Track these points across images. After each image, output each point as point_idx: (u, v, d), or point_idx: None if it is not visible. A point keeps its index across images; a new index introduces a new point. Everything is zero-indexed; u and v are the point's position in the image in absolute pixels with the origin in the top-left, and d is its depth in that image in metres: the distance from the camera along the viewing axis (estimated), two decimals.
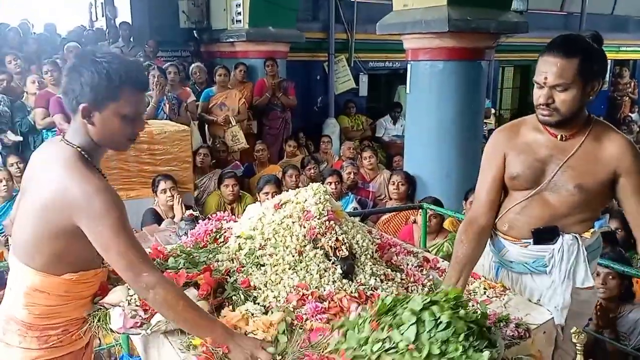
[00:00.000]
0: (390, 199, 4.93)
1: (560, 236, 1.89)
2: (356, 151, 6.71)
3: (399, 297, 1.43)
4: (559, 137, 1.86)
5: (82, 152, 1.56)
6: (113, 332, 1.76)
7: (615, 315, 3.04)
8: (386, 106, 9.23)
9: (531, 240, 1.93)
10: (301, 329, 1.61)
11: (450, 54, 4.81)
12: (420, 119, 5.08)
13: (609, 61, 11.29)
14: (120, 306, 1.71)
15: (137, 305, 1.71)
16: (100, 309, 1.77)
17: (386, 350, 1.29)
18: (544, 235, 1.89)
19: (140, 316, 1.70)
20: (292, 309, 1.70)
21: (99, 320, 1.75)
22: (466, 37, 4.74)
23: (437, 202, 3.87)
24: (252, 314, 1.66)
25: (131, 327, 1.69)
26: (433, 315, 1.30)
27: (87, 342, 1.79)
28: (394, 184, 4.76)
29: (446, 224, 4.09)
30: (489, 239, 2.06)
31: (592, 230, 1.92)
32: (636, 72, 12.33)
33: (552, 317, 1.94)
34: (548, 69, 1.74)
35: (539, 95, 1.78)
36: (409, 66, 5.15)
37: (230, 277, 1.89)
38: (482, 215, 1.99)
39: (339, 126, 8.50)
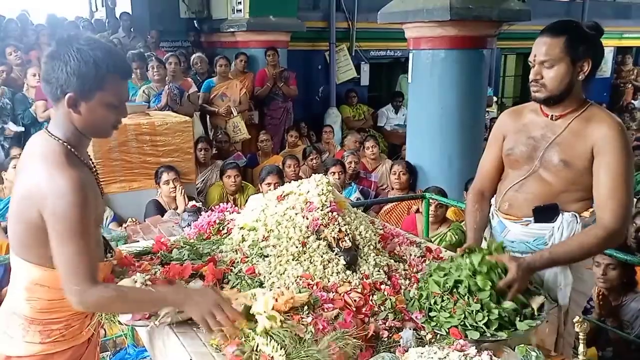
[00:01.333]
0: (392, 188, 4.94)
1: (560, 214, 1.95)
2: (359, 142, 6.70)
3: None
4: (549, 116, 1.97)
5: (68, 146, 1.54)
6: (121, 324, 1.78)
7: (618, 303, 3.05)
8: (388, 95, 9.20)
9: (532, 219, 1.99)
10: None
11: (452, 42, 4.78)
12: (422, 108, 5.07)
13: (611, 49, 11.22)
14: None
15: None
16: None
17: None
18: (545, 213, 1.95)
19: None
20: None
21: (106, 314, 1.77)
22: (468, 26, 4.71)
23: (441, 192, 3.88)
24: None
25: (139, 319, 1.69)
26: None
27: (89, 336, 1.78)
28: (395, 173, 4.77)
29: (449, 214, 4.10)
30: (490, 221, 2.16)
31: (590, 209, 1.97)
32: (639, 59, 12.25)
33: (556, 306, 1.95)
34: (537, 49, 1.89)
35: (531, 74, 1.93)
36: (410, 55, 5.12)
37: (234, 267, 1.91)
38: (485, 185, 2.16)
39: (341, 116, 8.48)
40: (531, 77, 1.91)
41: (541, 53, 1.86)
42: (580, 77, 1.88)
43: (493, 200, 2.17)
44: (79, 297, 1.49)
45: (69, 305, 1.62)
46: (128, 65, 1.62)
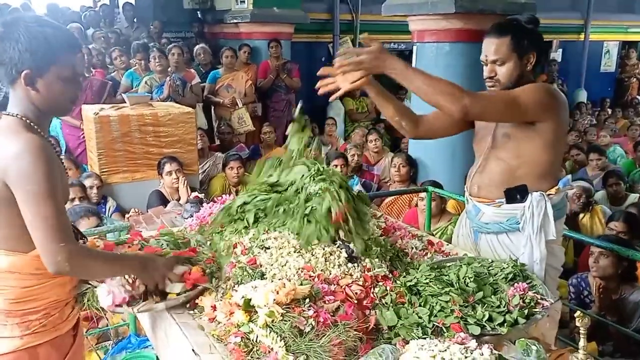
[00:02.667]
0: (394, 181, 4.94)
1: (530, 194, 2.10)
2: (363, 135, 6.69)
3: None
4: None
5: (27, 120, 1.53)
6: (103, 310, 1.75)
7: (617, 297, 3.06)
8: (392, 88, 9.15)
9: (504, 200, 2.14)
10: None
11: (456, 35, 4.75)
12: (426, 101, 5.04)
13: (616, 43, 11.13)
14: (106, 283, 1.68)
15: (123, 282, 1.69)
16: (89, 287, 1.75)
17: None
18: (515, 194, 2.11)
19: (128, 291, 1.68)
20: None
21: (88, 300, 1.75)
22: (473, 19, 4.68)
23: (436, 185, 3.87)
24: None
25: (118, 305, 1.67)
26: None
27: (73, 326, 1.73)
28: (395, 166, 4.76)
29: (449, 207, 4.10)
30: (465, 207, 2.37)
31: (556, 187, 2.14)
32: None
33: (558, 300, 1.97)
34: (487, 49, 2.11)
35: (485, 72, 2.14)
36: (414, 48, 5.10)
37: (235, 258, 1.91)
38: (425, 117, 2.35)
39: (344, 108, 8.46)
40: (485, 74, 2.13)
41: (491, 52, 2.09)
42: (528, 67, 2.10)
43: (465, 186, 2.34)
44: (63, 256, 1.44)
45: (44, 292, 1.58)
46: (77, 39, 1.63)
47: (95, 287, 1.73)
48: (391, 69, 1.91)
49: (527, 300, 1.78)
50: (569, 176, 2.41)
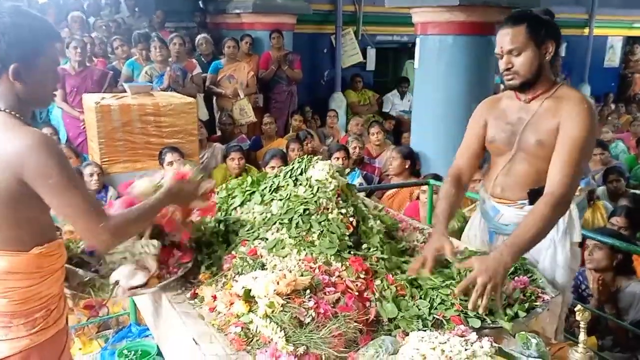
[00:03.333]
0: (390, 174, 4.93)
1: None
2: (364, 127, 6.67)
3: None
4: (523, 100, 2.05)
5: (15, 114, 1.50)
6: (114, 297, 1.78)
7: (614, 290, 3.06)
8: (394, 81, 9.13)
9: (527, 201, 2.04)
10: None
11: (460, 28, 4.73)
12: (428, 95, 5.03)
13: (620, 38, 11.04)
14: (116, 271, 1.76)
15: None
16: (90, 277, 1.78)
17: None
18: (539, 195, 1.97)
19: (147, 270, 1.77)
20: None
21: (98, 289, 1.76)
22: (477, 11, 4.65)
23: (438, 178, 3.86)
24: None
25: (133, 288, 1.73)
26: None
27: (65, 318, 1.71)
28: (389, 159, 4.75)
29: None
30: (480, 207, 2.25)
31: (580, 187, 2.10)
32: None
33: (559, 294, 1.96)
34: (501, 40, 1.98)
35: (501, 64, 2.01)
36: (417, 40, 5.07)
37: (235, 250, 1.91)
38: (463, 171, 2.20)
39: (346, 101, 8.43)
40: (502, 67, 1.99)
41: (507, 43, 1.95)
42: (547, 58, 1.97)
43: (482, 187, 2.24)
44: (106, 234, 1.50)
45: (45, 289, 1.56)
46: (55, 28, 1.61)
47: (102, 275, 1.76)
48: (510, 261, 1.73)
49: (527, 294, 1.78)
50: (590, 176, 2.36)
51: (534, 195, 2.00)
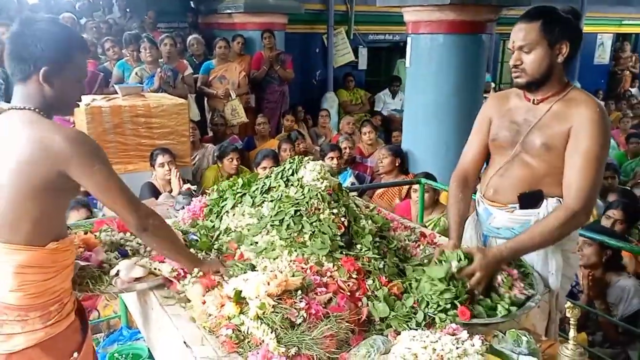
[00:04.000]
0: (380, 173, 4.94)
1: (545, 200, 1.95)
2: (355, 126, 6.68)
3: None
4: (531, 101, 1.97)
5: (41, 113, 1.59)
6: (107, 292, 1.82)
7: (604, 285, 3.08)
8: (386, 80, 9.15)
9: (517, 205, 1.99)
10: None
11: (450, 27, 4.74)
12: (420, 93, 5.04)
13: (610, 36, 11.12)
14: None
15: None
16: (86, 269, 1.81)
17: None
18: (530, 199, 1.96)
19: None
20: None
21: (95, 281, 1.78)
22: (467, 10, 4.67)
23: (430, 177, 3.88)
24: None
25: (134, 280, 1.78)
26: None
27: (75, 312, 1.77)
28: (379, 157, 4.76)
29: (442, 199, 4.10)
30: (476, 209, 2.18)
31: None
32: (637, 46, 12.19)
33: (549, 291, 1.97)
34: (515, 35, 1.90)
35: (511, 60, 1.94)
36: (409, 39, 5.08)
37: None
38: (469, 172, 2.16)
39: (338, 100, 8.43)
40: (511, 63, 1.93)
41: (519, 38, 1.88)
42: (559, 59, 1.88)
43: (478, 187, 2.18)
44: (148, 215, 1.68)
45: (59, 283, 1.63)
46: (86, 41, 1.77)
47: (102, 270, 1.83)
48: (507, 259, 1.82)
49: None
50: None
51: (524, 199, 1.97)
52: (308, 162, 2.10)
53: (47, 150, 1.51)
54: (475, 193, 2.21)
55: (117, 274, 1.82)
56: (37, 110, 1.58)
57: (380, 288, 1.73)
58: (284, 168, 2.13)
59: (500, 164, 2.04)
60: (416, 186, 3.80)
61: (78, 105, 1.75)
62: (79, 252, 1.86)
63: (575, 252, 2.10)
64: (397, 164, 4.74)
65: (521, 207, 1.98)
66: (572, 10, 1.91)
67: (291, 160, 2.15)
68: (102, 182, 1.59)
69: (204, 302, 1.64)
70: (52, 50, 1.56)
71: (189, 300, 1.74)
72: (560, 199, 1.92)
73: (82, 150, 1.53)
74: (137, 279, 1.82)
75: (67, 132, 1.55)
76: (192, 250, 1.95)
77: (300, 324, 1.47)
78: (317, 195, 1.96)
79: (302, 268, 1.76)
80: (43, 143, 1.51)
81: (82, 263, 1.83)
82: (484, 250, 1.80)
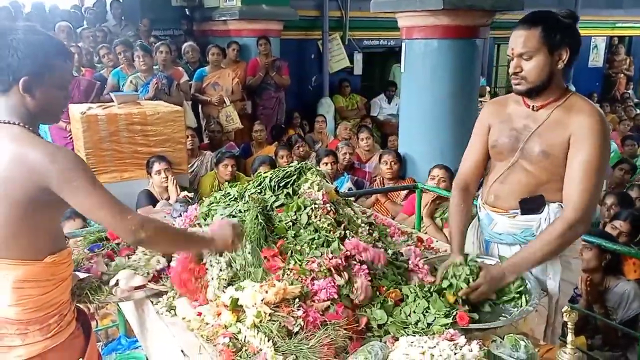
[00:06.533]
0: (383, 178, 4.94)
1: (546, 205, 1.94)
2: (352, 131, 6.68)
3: None
4: (531, 107, 1.96)
5: (26, 126, 1.56)
6: (106, 301, 1.84)
7: (603, 288, 3.08)
8: (381, 85, 9.17)
9: (519, 211, 1.98)
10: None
11: (444, 32, 4.76)
12: (415, 98, 5.05)
13: (604, 38, 11.17)
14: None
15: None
16: (86, 282, 1.81)
17: None
18: (531, 204, 1.96)
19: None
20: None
21: (94, 291, 1.79)
22: (461, 15, 4.69)
23: (447, 169, 3.88)
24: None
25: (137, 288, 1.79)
26: None
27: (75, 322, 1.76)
28: (386, 163, 4.75)
29: None
30: (477, 214, 2.18)
31: None
32: (631, 49, 12.26)
33: (546, 295, 1.97)
34: (514, 41, 1.88)
35: (510, 67, 1.92)
36: (403, 44, 5.10)
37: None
38: (470, 178, 2.15)
39: (334, 106, 8.45)
40: (511, 70, 1.90)
41: (518, 45, 1.86)
42: (559, 66, 1.87)
43: (480, 192, 2.17)
44: (135, 226, 1.55)
45: (58, 296, 1.62)
46: (68, 48, 1.69)
47: (101, 280, 1.83)
48: (511, 278, 1.84)
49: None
50: None
51: (525, 204, 1.96)
52: (306, 175, 2.08)
53: (27, 167, 1.48)
54: (476, 199, 2.21)
55: (116, 284, 1.82)
56: (21, 124, 1.55)
57: (379, 295, 1.73)
58: (283, 179, 2.10)
59: (501, 170, 2.03)
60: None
61: (64, 112, 1.70)
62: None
63: (577, 257, 2.09)
64: (399, 170, 4.78)
65: (522, 213, 1.98)
66: (570, 14, 1.90)
67: (288, 168, 2.13)
68: (83, 199, 1.52)
69: (199, 314, 1.64)
70: (30, 59, 1.52)
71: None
72: (562, 204, 1.92)
73: (59, 167, 1.48)
74: (137, 288, 1.82)
75: (46, 148, 1.51)
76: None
77: (297, 332, 1.47)
78: (313, 203, 1.95)
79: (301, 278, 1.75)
80: (22, 160, 1.49)
81: (82, 275, 1.83)
82: (487, 267, 1.83)
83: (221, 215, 2.01)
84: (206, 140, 6.24)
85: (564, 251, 1.96)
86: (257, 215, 1.87)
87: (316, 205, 1.93)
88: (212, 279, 1.74)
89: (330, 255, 1.74)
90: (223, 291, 1.65)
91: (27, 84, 1.53)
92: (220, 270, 1.75)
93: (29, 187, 1.49)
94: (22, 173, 1.48)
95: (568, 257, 2.01)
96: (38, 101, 1.56)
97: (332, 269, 1.70)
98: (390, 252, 2.00)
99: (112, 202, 1.55)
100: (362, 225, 2.06)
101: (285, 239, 1.85)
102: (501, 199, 2.03)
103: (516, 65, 1.88)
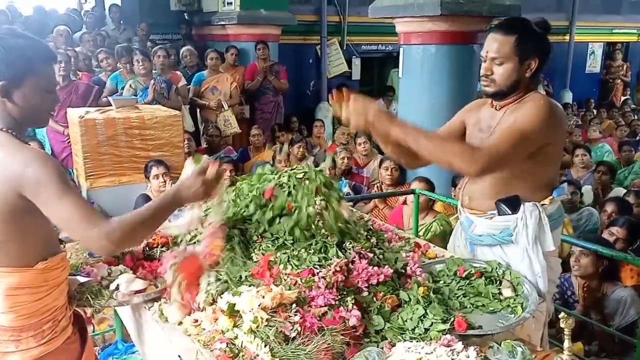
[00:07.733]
0: (382, 183, 4.94)
1: (522, 205, 1.99)
2: (350, 136, 6.69)
3: None
4: (494, 107, 2.05)
5: (9, 131, 1.54)
6: (107, 305, 1.83)
7: (600, 295, 3.09)
8: (379, 90, 9.19)
9: (496, 212, 2.03)
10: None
11: (442, 37, 4.79)
12: (413, 103, 5.07)
13: (601, 44, 11.20)
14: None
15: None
16: (87, 287, 1.80)
17: None
18: (507, 205, 2.00)
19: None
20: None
21: (94, 295, 1.78)
22: (458, 21, 4.72)
23: (427, 182, 3.90)
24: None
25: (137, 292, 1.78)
26: None
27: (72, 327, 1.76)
28: (387, 169, 4.75)
29: (437, 206, 4.11)
30: (459, 218, 2.24)
31: (550, 197, 2.03)
32: (629, 55, 12.32)
33: (543, 301, 1.98)
34: (489, 45, 1.95)
35: (482, 69, 1.99)
36: (401, 50, 5.12)
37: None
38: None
39: (332, 110, 8.45)
40: (482, 72, 1.97)
41: (492, 50, 1.93)
42: (527, 74, 1.95)
43: (457, 195, 2.23)
44: (103, 238, 1.47)
45: (52, 301, 1.61)
46: (52, 50, 1.64)
47: (101, 285, 1.81)
48: (387, 119, 1.88)
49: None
50: (564, 185, 2.33)
51: (501, 205, 2.00)
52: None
53: (5, 173, 1.46)
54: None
55: (117, 288, 1.81)
56: (4, 129, 1.53)
57: (375, 301, 1.73)
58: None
59: None
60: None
61: (51, 115, 1.67)
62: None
63: (556, 256, 2.13)
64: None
65: (499, 214, 2.02)
66: (543, 23, 1.96)
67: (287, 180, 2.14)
68: (53, 212, 1.48)
69: (195, 321, 1.64)
70: (8, 64, 1.49)
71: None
72: (537, 204, 1.98)
73: (32, 175, 1.45)
74: (137, 292, 1.81)
75: (23, 155, 1.48)
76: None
77: (294, 337, 1.47)
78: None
79: (297, 283, 1.75)
80: (2, 166, 1.47)
81: (82, 279, 1.82)
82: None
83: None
84: (204, 145, 6.24)
85: (545, 245, 1.99)
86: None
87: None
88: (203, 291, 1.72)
89: (332, 269, 1.73)
90: (215, 300, 1.64)
91: (4, 89, 1.50)
92: (208, 284, 1.72)
93: (7, 194, 1.47)
94: (2, 180, 1.46)
95: (548, 255, 2.03)
96: (19, 106, 1.53)
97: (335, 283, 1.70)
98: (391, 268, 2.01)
99: (80, 214, 1.47)
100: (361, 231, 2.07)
101: (281, 246, 1.86)
102: (475, 200, 2.10)
103: (487, 67, 1.96)
